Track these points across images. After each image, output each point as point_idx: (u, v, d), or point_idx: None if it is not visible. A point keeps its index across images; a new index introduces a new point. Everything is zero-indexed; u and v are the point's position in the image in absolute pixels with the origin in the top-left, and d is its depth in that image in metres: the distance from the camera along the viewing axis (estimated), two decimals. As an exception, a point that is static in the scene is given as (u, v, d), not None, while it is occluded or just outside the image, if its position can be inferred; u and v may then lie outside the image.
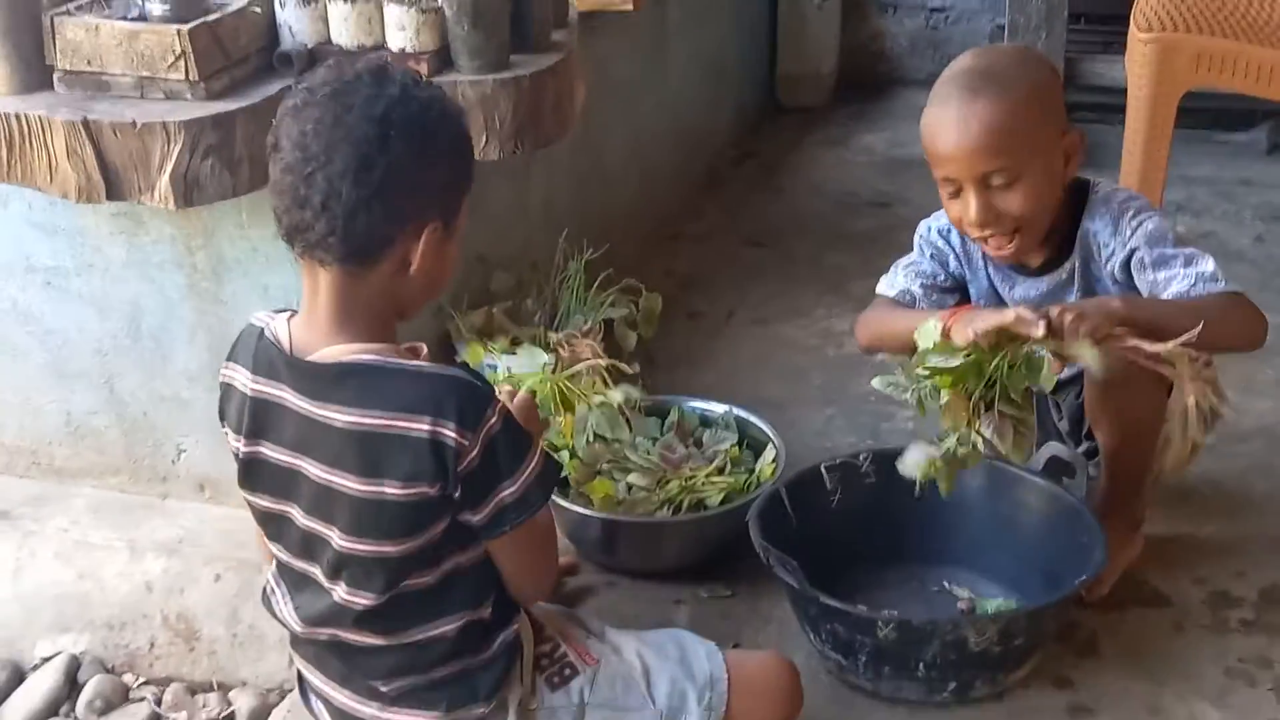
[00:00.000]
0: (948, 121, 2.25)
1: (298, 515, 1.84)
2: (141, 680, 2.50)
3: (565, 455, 2.61)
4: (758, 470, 2.61)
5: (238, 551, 2.56)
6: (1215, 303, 2.19)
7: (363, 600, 1.82)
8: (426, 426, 1.72)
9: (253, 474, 1.87)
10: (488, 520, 1.81)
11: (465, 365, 1.85)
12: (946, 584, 2.47)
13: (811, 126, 4.78)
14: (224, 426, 1.90)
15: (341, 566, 1.81)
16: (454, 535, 1.82)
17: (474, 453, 1.74)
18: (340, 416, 1.75)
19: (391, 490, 1.75)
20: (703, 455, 2.65)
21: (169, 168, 2.25)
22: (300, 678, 2.01)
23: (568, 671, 1.95)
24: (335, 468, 1.77)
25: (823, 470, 2.47)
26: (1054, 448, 2.45)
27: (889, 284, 2.50)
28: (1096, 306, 2.12)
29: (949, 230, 2.46)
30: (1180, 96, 3.14)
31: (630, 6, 3.18)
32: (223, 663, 2.48)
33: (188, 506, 2.72)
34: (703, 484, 2.56)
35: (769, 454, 2.63)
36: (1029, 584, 2.37)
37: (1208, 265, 2.24)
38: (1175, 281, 2.23)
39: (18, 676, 2.52)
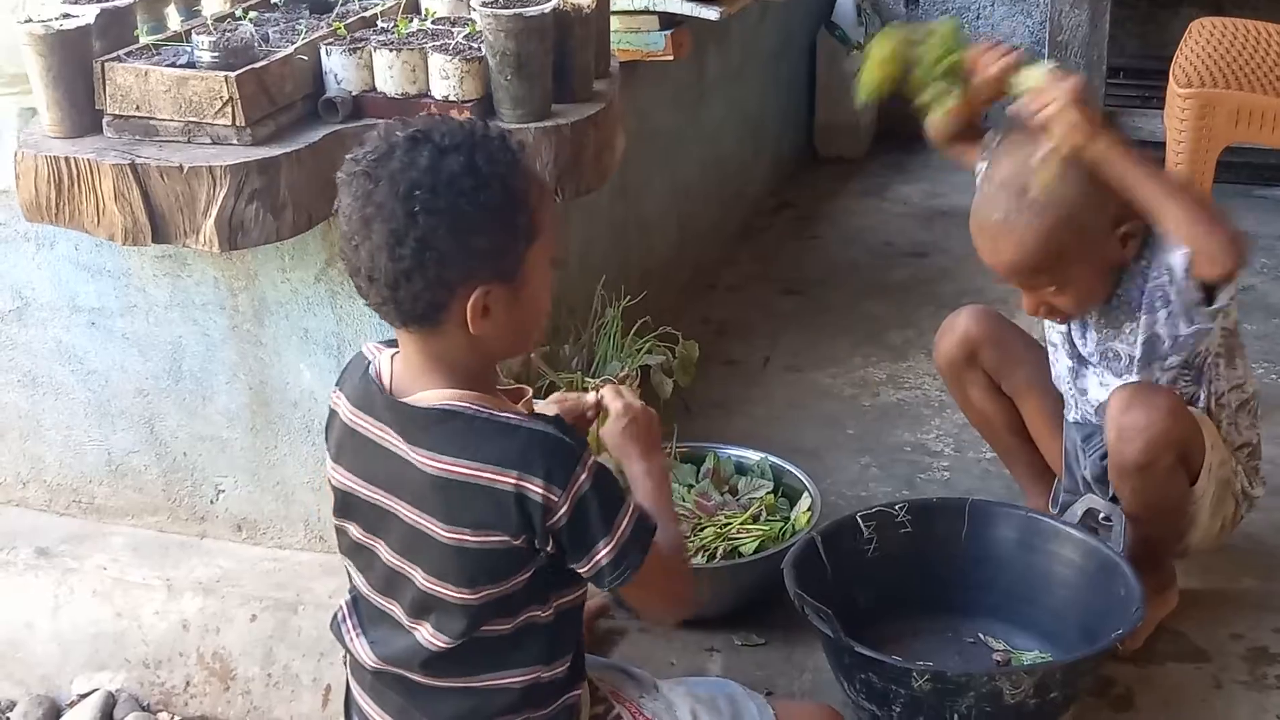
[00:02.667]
0: (984, 240, 2.30)
1: (384, 552, 1.85)
2: (176, 718, 2.51)
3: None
4: (793, 518, 2.61)
5: (274, 592, 2.57)
6: (1204, 202, 2.18)
7: (440, 642, 1.82)
8: (512, 481, 1.73)
9: (348, 504, 1.88)
10: (592, 576, 1.81)
11: (559, 420, 1.84)
12: (981, 635, 2.47)
13: (849, 177, 4.80)
14: (329, 460, 1.92)
15: (426, 608, 1.82)
16: (534, 588, 1.81)
17: (563, 509, 1.74)
18: (430, 462, 1.76)
19: (472, 539, 1.76)
20: (738, 502, 2.66)
21: (214, 211, 2.28)
22: (348, 701, 2.01)
23: None
24: (423, 511, 1.78)
25: (858, 519, 2.47)
26: (1090, 500, 2.44)
27: None
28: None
29: None
30: (1219, 151, 3.14)
31: (671, 57, 3.21)
32: (257, 703, 2.49)
33: (225, 546, 2.73)
34: (737, 531, 2.56)
35: (804, 502, 2.63)
36: (1065, 637, 2.36)
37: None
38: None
39: (54, 713, 2.54)
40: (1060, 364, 2.51)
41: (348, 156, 1.76)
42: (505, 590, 1.79)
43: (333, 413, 1.90)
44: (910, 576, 2.46)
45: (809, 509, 2.61)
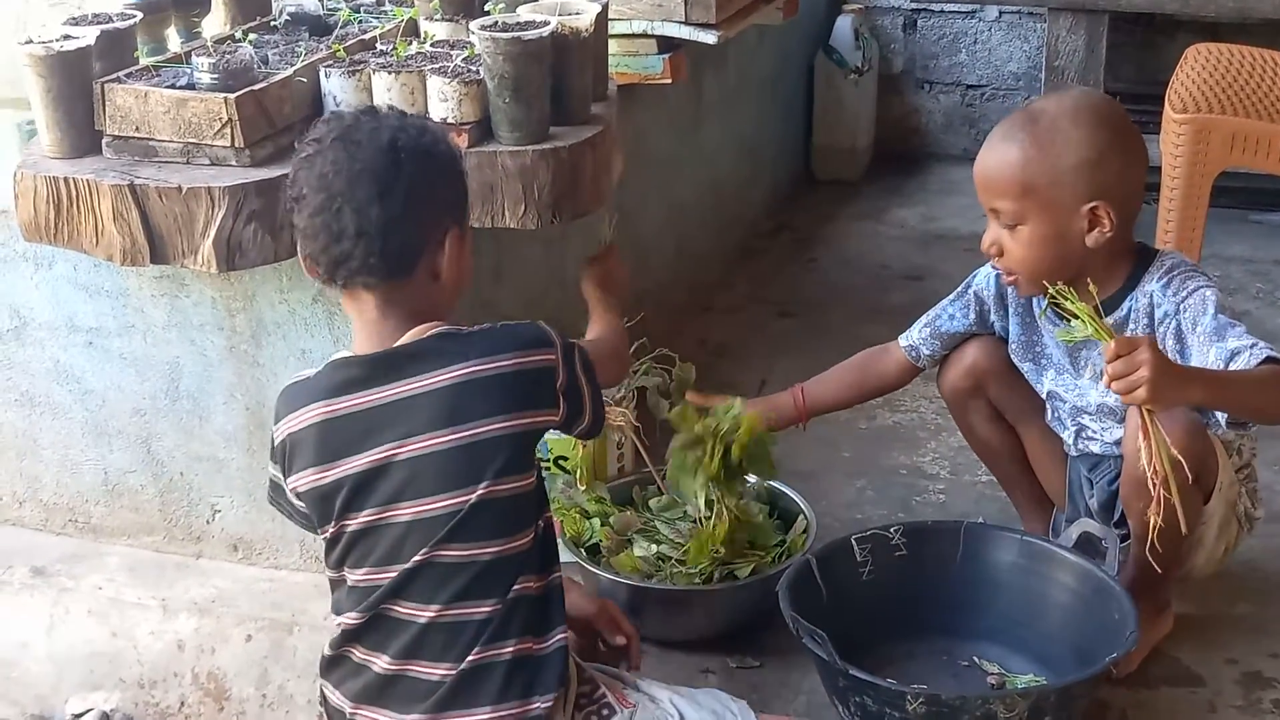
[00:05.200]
0: (984, 147, 2.40)
1: (405, 510, 1.91)
2: (171, 739, 2.52)
3: (596, 523, 2.62)
4: (788, 541, 2.61)
5: (269, 612, 2.57)
6: (1270, 374, 2.16)
7: (466, 552, 1.92)
8: (519, 360, 1.94)
9: (344, 499, 1.93)
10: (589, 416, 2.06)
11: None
12: (976, 659, 2.47)
13: (846, 200, 4.81)
14: (293, 480, 1.96)
15: (463, 524, 1.91)
16: (535, 497, 1.99)
17: (560, 367, 1.98)
18: (440, 377, 1.91)
19: (499, 425, 1.91)
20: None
21: (212, 232, 2.29)
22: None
23: (606, 712, 2.02)
24: (435, 431, 1.90)
25: (853, 542, 2.47)
26: (1086, 524, 2.45)
27: (904, 336, 2.67)
28: (1170, 378, 2.06)
29: (998, 278, 2.50)
30: (1214, 176, 3.15)
31: (669, 80, 3.22)
32: (252, 723, 2.49)
33: (221, 566, 2.74)
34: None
35: (800, 525, 2.63)
36: (1060, 660, 2.36)
37: (1242, 338, 2.24)
38: (1240, 355, 2.19)
39: (49, 733, 2.54)
40: (1058, 399, 2.52)
41: (307, 140, 1.94)
42: (523, 484, 1.93)
43: (290, 439, 1.96)
44: (905, 599, 2.46)
45: (804, 531, 2.61)
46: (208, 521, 2.75)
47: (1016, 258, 2.35)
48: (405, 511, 1.91)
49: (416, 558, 1.90)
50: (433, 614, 1.92)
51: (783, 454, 3.13)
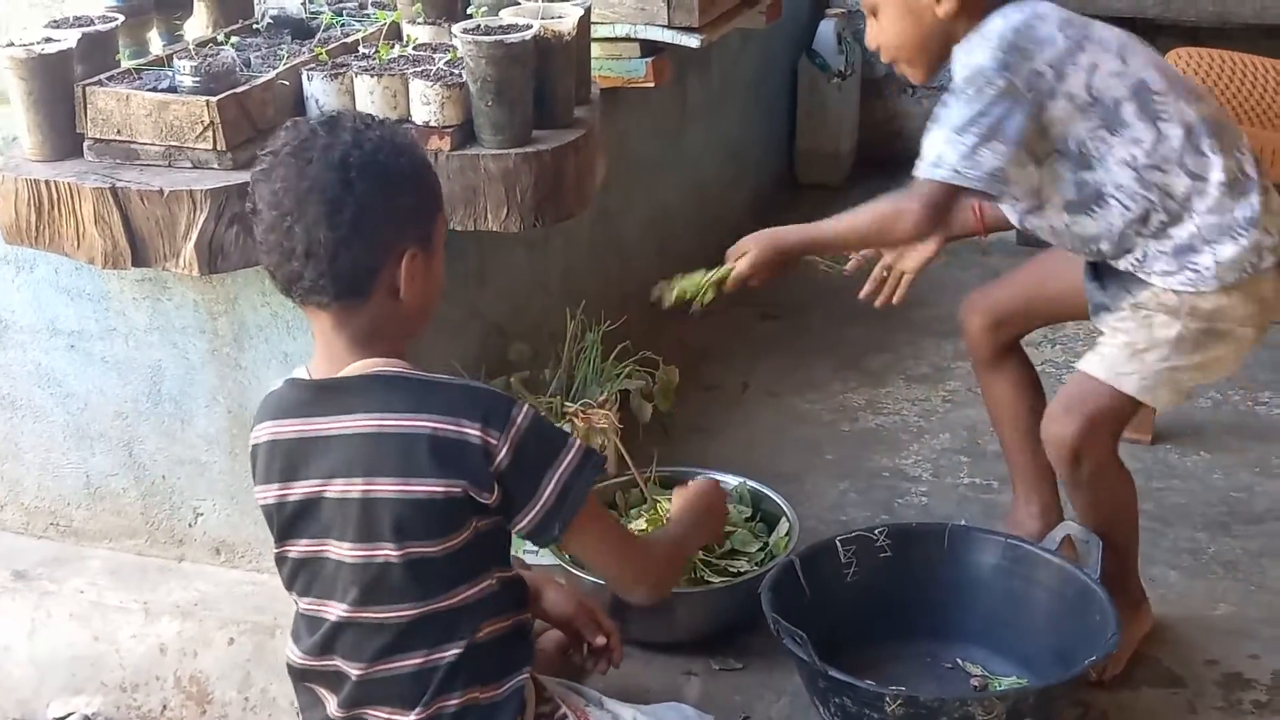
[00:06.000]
0: None
1: (332, 549, 1.87)
2: (153, 743, 2.51)
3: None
4: (771, 543, 2.62)
5: (252, 615, 2.57)
6: (880, 209, 2.32)
7: (395, 615, 1.85)
8: (451, 428, 1.80)
9: (284, 522, 1.90)
10: (540, 519, 1.86)
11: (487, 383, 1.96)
12: (960, 661, 2.47)
13: (829, 203, 4.74)
14: (257, 489, 1.94)
15: (370, 585, 1.85)
16: (474, 556, 1.87)
17: (504, 450, 1.81)
18: (366, 422, 1.82)
19: (410, 489, 1.81)
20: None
21: (194, 235, 2.29)
22: None
23: None
24: (353, 477, 1.83)
25: (838, 543, 2.48)
26: (1069, 527, 2.46)
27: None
28: (764, 240, 2.40)
29: None
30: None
31: (652, 84, 3.22)
32: (234, 727, 2.49)
33: (204, 570, 2.73)
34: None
35: (783, 527, 2.64)
36: (1042, 662, 2.37)
37: (946, 148, 2.21)
38: (921, 158, 2.27)
39: (30, 737, 2.53)
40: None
41: (262, 153, 1.87)
42: (435, 550, 1.83)
43: (255, 448, 1.94)
44: (889, 601, 2.46)
45: (787, 534, 2.61)
46: (190, 525, 2.75)
47: (885, 42, 2.38)
48: (332, 551, 1.87)
49: (342, 610, 1.87)
50: (359, 672, 1.88)
51: (766, 456, 3.15)
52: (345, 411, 1.84)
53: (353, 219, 1.79)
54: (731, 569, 2.55)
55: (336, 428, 1.84)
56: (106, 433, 2.72)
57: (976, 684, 2.41)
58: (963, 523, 2.73)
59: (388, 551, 1.83)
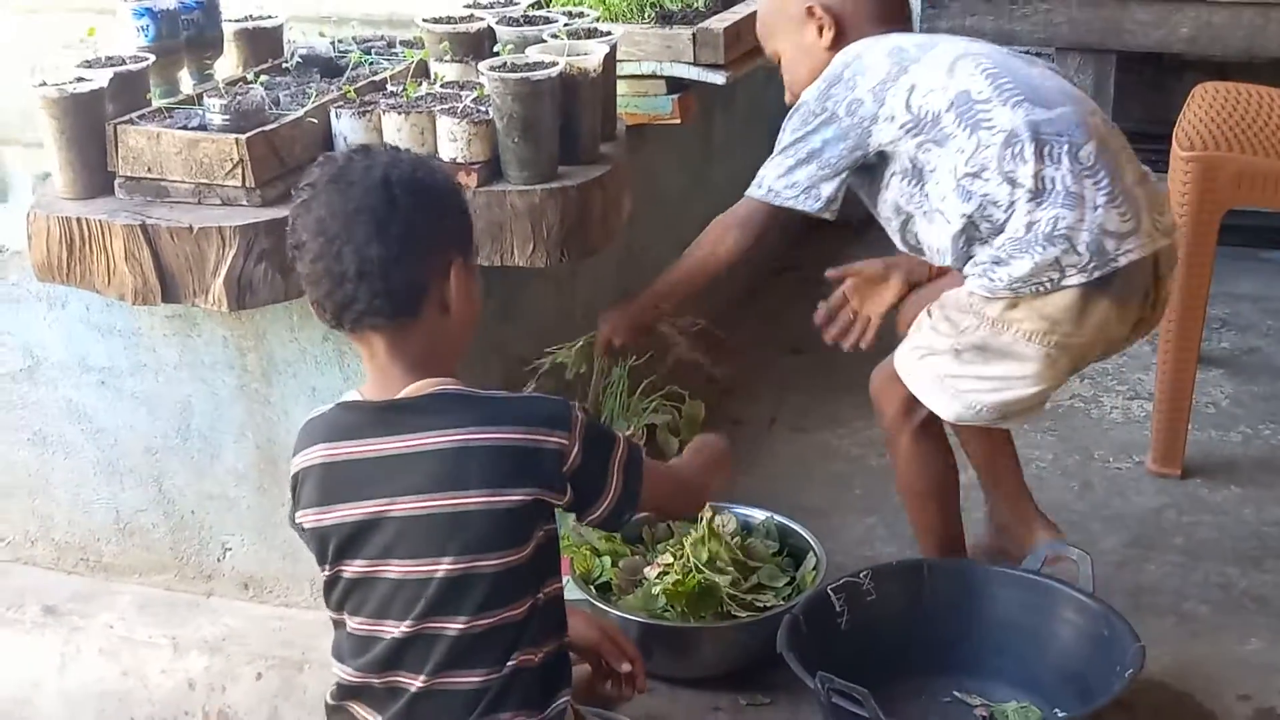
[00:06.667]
0: None
1: (394, 568, 1.88)
2: (181, 778, 2.51)
3: (607, 561, 2.62)
4: (799, 578, 2.61)
5: (280, 650, 2.57)
6: (705, 235, 2.59)
7: (454, 627, 1.87)
8: (524, 436, 1.86)
9: (339, 543, 1.91)
10: (611, 507, 1.95)
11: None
12: (956, 693, 2.45)
13: (854, 239, 4.78)
14: (299, 515, 1.95)
15: (433, 602, 1.87)
16: (532, 569, 1.90)
17: (575, 449, 1.89)
18: (438, 439, 1.85)
19: (487, 500, 1.85)
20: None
21: (223, 271, 2.31)
22: None
23: None
24: (425, 494, 1.85)
25: (829, 593, 2.44)
26: (1052, 545, 2.46)
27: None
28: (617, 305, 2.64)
29: None
30: (1222, 214, 3.15)
31: (678, 120, 3.24)
32: (261, 762, 2.49)
33: (232, 605, 2.74)
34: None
35: (810, 561, 2.63)
36: (1048, 685, 2.36)
37: (767, 169, 2.46)
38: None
39: (59, 772, 2.54)
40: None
41: (302, 186, 1.89)
42: (507, 561, 1.86)
43: (302, 472, 1.94)
44: (880, 642, 2.42)
45: (814, 568, 2.61)
46: (218, 560, 2.76)
47: (790, 82, 2.55)
48: (394, 569, 1.88)
49: (404, 627, 1.88)
50: (421, 683, 1.88)
51: (792, 491, 3.14)
52: (416, 430, 1.86)
53: (402, 234, 1.82)
54: (758, 603, 2.54)
55: (407, 446, 1.86)
56: (136, 468, 2.74)
57: (981, 714, 2.39)
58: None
59: (459, 565, 1.85)
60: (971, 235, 2.31)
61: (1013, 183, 2.26)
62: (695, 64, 3.20)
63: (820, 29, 2.49)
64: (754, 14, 3.29)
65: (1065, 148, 2.26)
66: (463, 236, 1.94)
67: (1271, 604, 2.74)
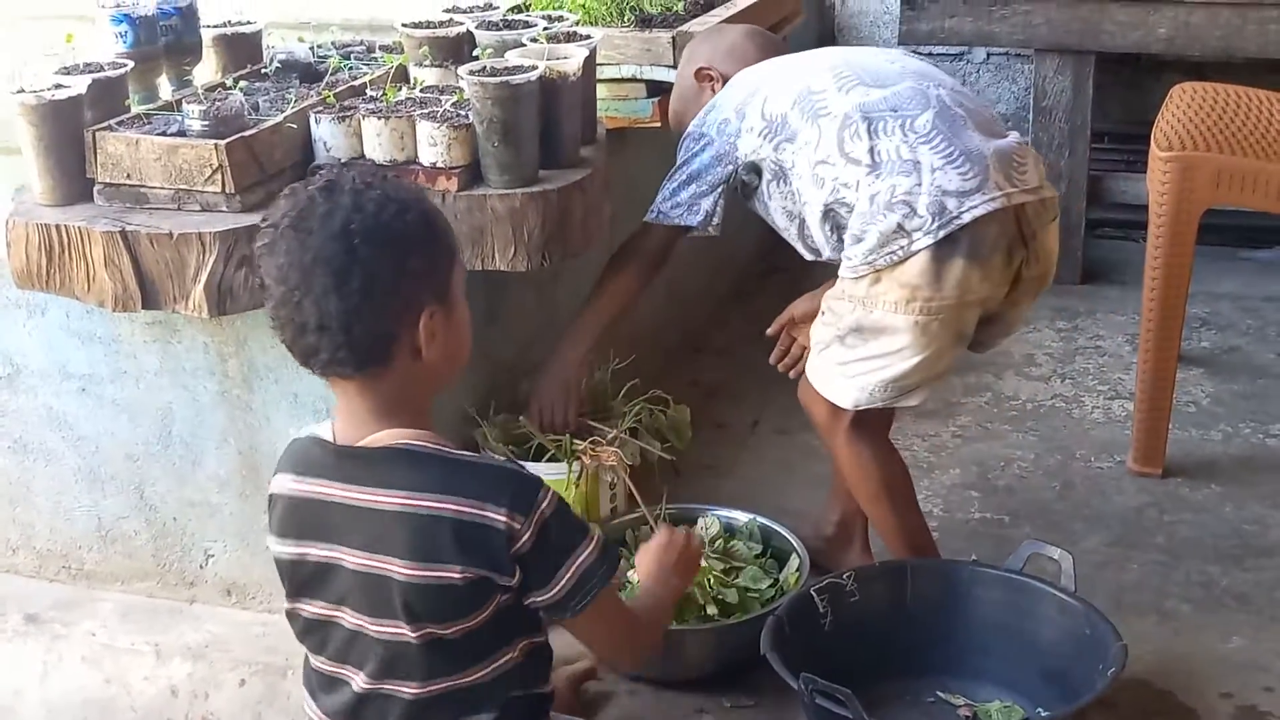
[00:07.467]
0: None
1: (348, 616, 1.86)
2: (164, 786, 2.51)
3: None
4: (782, 580, 2.61)
5: (263, 656, 2.57)
6: (609, 264, 2.71)
7: (407, 690, 1.85)
8: (474, 511, 1.78)
9: (299, 580, 1.90)
10: (555, 601, 1.86)
11: (511, 458, 1.96)
12: (940, 694, 2.45)
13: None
14: (268, 538, 1.94)
15: (386, 661, 1.84)
16: (495, 634, 1.85)
17: (526, 534, 1.79)
18: (388, 499, 1.80)
19: (430, 573, 1.78)
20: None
21: (204, 277, 2.31)
22: None
23: None
24: (375, 553, 1.81)
25: (813, 594, 2.45)
26: (1035, 545, 2.46)
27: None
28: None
29: None
30: (1201, 214, 3.16)
31: (658, 124, 3.24)
32: (245, 769, 2.48)
33: (215, 611, 2.73)
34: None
35: (793, 563, 2.64)
36: (1028, 683, 2.37)
37: (658, 196, 2.58)
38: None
39: (41, 781, 2.53)
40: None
41: (265, 225, 1.81)
42: (451, 631, 1.82)
43: (273, 497, 1.93)
44: (865, 643, 2.42)
45: (798, 570, 2.61)
46: (201, 566, 2.75)
47: (679, 126, 2.73)
48: (349, 619, 1.86)
49: (362, 680, 1.86)
50: None
51: (776, 493, 3.14)
52: (367, 484, 1.81)
53: (362, 287, 1.73)
54: (742, 605, 2.54)
55: (357, 499, 1.81)
56: (118, 475, 2.73)
57: (965, 714, 2.39)
58: (972, 559, 2.71)
59: (405, 631, 1.82)
60: (836, 221, 2.42)
61: (853, 162, 2.36)
62: (675, 67, 3.19)
63: (713, 88, 2.68)
64: (734, 16, 3.33)
65: (898, 121, 2.36)
66: (436, 279, 1.81)
67: (1252, 602, 2.76)
